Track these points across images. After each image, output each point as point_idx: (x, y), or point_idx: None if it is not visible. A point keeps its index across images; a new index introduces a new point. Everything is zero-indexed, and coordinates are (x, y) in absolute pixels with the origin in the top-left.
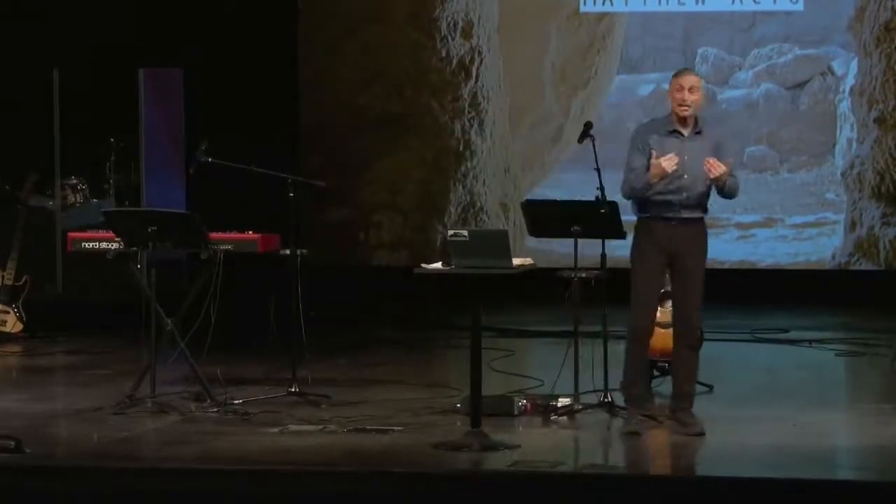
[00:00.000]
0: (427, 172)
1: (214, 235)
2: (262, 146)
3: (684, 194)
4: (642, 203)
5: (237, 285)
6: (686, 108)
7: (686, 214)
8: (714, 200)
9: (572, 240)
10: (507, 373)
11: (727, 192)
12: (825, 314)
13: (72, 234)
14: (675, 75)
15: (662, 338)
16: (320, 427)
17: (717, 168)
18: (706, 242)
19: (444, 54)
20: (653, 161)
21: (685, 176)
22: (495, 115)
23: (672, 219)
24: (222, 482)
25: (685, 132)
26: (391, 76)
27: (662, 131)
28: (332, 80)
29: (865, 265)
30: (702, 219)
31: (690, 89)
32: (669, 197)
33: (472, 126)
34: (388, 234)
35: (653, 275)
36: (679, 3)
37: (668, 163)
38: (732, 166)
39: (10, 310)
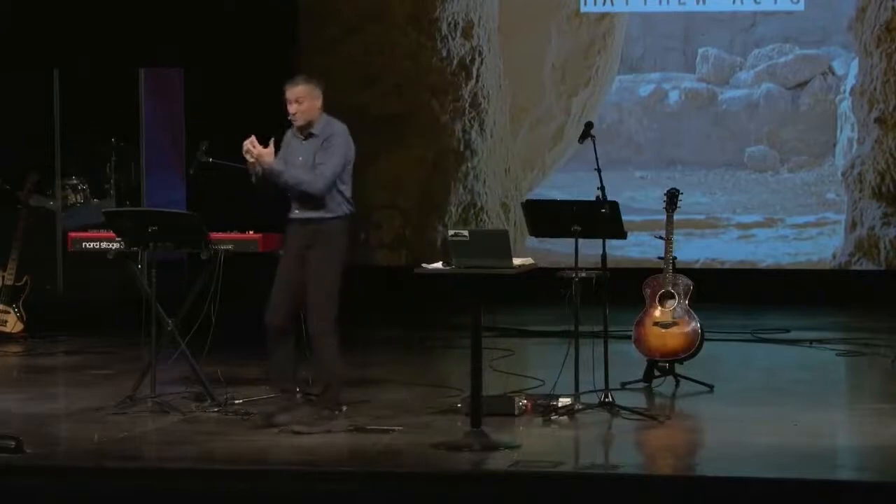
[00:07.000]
0: (427, 172)
1: (215, 235)
2: (262, 146)
3: (296, 193)
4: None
5: (237, 285)
6: (295, 118)
7: (303, 215)
8: (714, 200)
9: (572, 240)
10: (508, 373)
11: (287, 186)
12: (825, 314)
13: (72, 234)
14: (285, 87)
15: (662, 338)
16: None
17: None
18: (334, 240)
19: (444, 54)
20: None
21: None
22: (496, 115)
23: (294, 219)
24: (222, 482)
25: (301, 136)
26: (391, 76)
27: (292, 133)
28: (332, 80)
29: (866, 265)
30: (323, 219)
31: (297, 100)
32: (289, 195)
33: (472, 126)
34: (388, 234)
35: (283, 273)
36: (679, 2)
37: (247, 145)
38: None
39: (10, 310)
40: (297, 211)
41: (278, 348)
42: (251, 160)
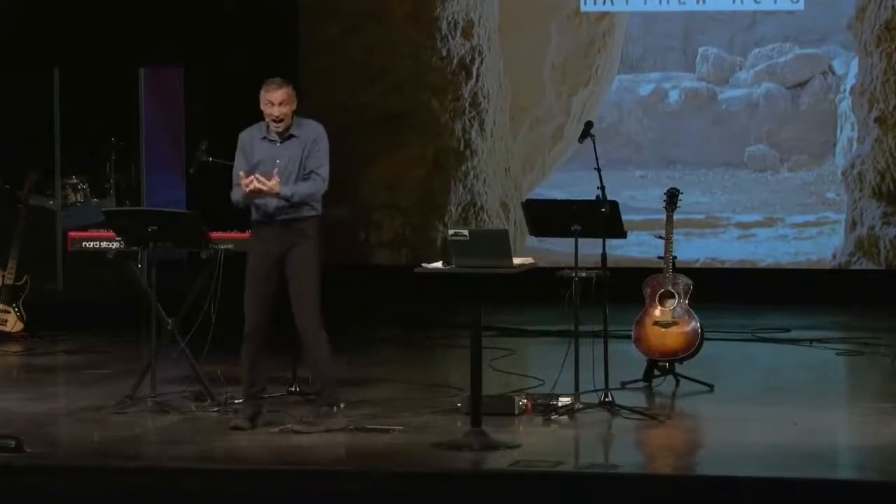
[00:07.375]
0: (427, 172)
1: (215, 235)
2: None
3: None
4: (249, 206)
5: (238, 285)
6: (279, 123)
7: (283, 217)
8: (714, 199)
9: (572, 240)
10: (507, 372)
11: (298, 201)
12: (825, 314)
13: (72, 234)
14: (264, 89)
15: (662, 337)
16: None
17: (253, 184)
18: (314, 238)
19: (444, 54)
20: (243, 183)
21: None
22: (496, 115)
23: (269, 222)
24: (222, 482)
25: (278, 138)
26: (391, 76)
27: (258, 136)
28: (332, 79)
29: (866, 265)
30: (305, 218)
31: (280, 104)
32: (265, 200)
33: (472, 125)
34: (388, 234)
35: (262, 276)
36: (679, 2)
37: (255, 184)
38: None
39: (10, 309)
40: (274, 213)
41: (257, 353)
42: (258, 194)
